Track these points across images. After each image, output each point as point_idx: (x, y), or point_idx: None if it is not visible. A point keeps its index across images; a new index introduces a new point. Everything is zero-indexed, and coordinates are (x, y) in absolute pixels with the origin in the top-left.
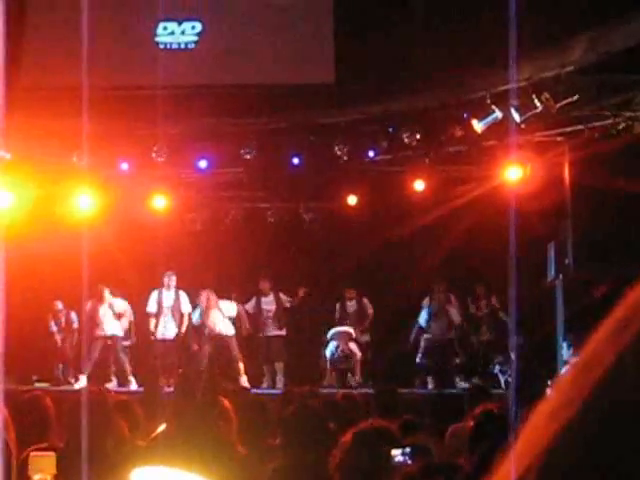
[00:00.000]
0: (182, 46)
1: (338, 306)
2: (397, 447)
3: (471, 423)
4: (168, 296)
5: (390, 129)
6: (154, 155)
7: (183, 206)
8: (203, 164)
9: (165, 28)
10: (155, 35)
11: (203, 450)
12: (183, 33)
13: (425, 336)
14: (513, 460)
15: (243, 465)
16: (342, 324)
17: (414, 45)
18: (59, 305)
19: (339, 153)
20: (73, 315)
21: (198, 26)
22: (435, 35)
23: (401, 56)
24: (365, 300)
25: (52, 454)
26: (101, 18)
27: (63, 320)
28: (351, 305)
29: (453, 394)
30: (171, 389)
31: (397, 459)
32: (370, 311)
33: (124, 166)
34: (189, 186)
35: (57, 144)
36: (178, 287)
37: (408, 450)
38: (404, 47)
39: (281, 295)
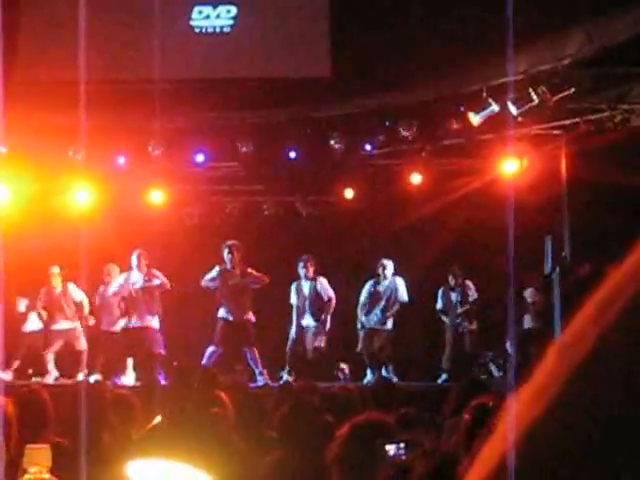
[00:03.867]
0: (217, 30)
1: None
2: (392, 442)
3: (467, 417)
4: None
5: (387, 122)
6: (151, 149)
7: (180, 200)
8: (200, 158)
9: (200, 12)
10: (190, 19)
11: (199, 442)
12: (218, 17)
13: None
14: (493, 444)
15: (240, 457)
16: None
17: (411, 38)
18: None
19: (336, 147)
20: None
21: (233, 10)
22: (432, 28)
23: (398, 49)
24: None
25: (47, 446)
26: (105, 11)
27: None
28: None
29: (449, 387)
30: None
31: (391, 453)
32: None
33: (121, 160)
34: (186, 180)
35: (54, 138)
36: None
37: (402, 445)
38: (401, 40)
39: None
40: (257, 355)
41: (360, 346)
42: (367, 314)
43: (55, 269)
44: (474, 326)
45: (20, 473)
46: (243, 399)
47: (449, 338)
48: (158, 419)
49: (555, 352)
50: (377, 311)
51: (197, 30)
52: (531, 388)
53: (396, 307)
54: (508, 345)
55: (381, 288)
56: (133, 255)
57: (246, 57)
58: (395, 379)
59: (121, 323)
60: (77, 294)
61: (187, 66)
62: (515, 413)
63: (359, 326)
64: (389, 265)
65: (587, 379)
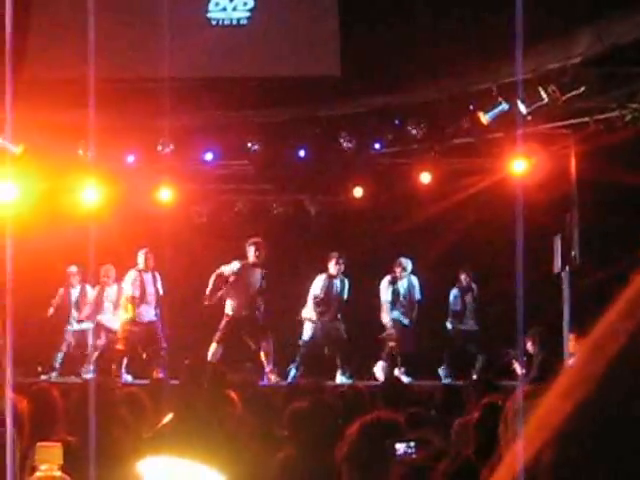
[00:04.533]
0: (234, 22)
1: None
2: (402, 440)
3: (476, 415)
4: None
5: (396, 121)
6: (160, 148)
7: (189, 199)
8: (209, 156)
9: (217, 4)
10: (207, 11)
11: (210, 441)
12: (235, 9)
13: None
14: (522, 443)
15: (250, 455)
16: None
17: (420, 37)
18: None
19: (345, 146)
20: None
21: (250, 2)
22: (441, 27)
23: (407, 48)
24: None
25: (59, 444)
26: (115, 9)
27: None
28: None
29: (459, 386)
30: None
31: (401, 452)
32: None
33: (130, 159)
34: (195, 179)
35: (63, 137)
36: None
37: (412, 444)
38: (410, 39)
39: None
40: (271, 349)
41: (393, 343)
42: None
43: (73, 268)
44: (477, 326)
45: (30, 471)
46: (252, 397)
47: (454, 337)
48: (169, 417)
49: (586, 349)
50: (399, 310)
51: (214, 22)
52: (562, 385)
53: (414, 306)
54: (529, 345)
55: (400, 287)
56: (141, 254)
57: (258, 54)
58: (406, 379)
59: (122, 320)
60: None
61: (199, 62)
62: (544, 414)
63: (389, 323)
64: (408, 264)
65: (619, 376)
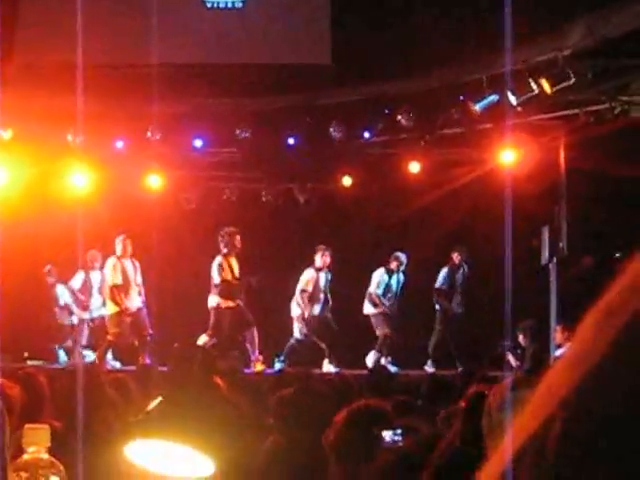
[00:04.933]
0: (229, 5)
1: None
2: (389, 428)
3: (463, 405)
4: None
5: (386, 111)
6: (149, 134)
7: (178, 185)
8: (199, 143)
9: None
10: None
11: (199, 425)
12: None
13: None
14: (531, 412)
15: (239, 441)
16: None
17: (411, 27)
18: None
19: (335, 134)
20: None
21: None
22: (432, 17)
23: (398, 38)
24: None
25: (46, 427)
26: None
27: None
28: None
29: (446, 376)
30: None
31: (388, 439)
32: None
33: (119, 144)
34: (184, 165)
35: (52, 122)
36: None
37: (399, 431)
38: (401, 29)
39: None
40: (255, 337)
41: (388, 330)
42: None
43: (47, 268)
44: (462, 310)
45: (16, 454)
46: (238, 384)
47: (438, 325)
48: (157, 401)
49: (593, 320)
50: (393, 301)
51: (209, 4)
52: (568, 357)
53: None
54: (520, 338)
55: (393, 281)
56: (119, 241)
57: (249, 40)
58: (393, 368)
59: (108, 308)
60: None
61: (190, 48)
62: (551, 383)
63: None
64: (404, 258)
65: (627, 349)
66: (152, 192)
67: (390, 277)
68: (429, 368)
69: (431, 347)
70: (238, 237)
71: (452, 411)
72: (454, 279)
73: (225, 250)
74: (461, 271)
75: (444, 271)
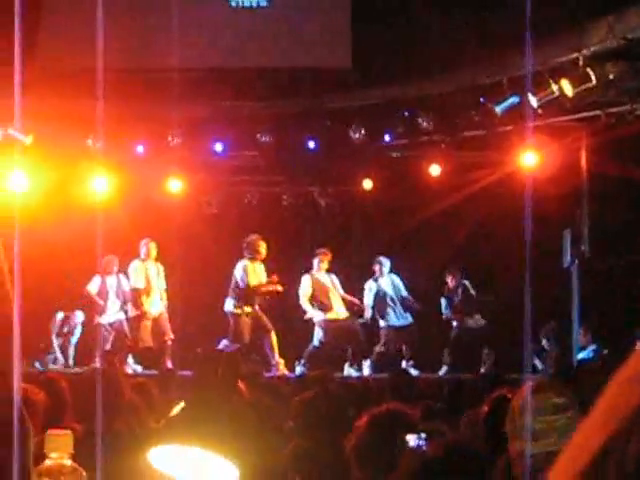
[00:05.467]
0: (254, 4)
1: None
2: (412, 432)
3: (486, 408)
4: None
5: (406, 113)
6: (170, 138)
7: (198, 189)
8: (219, 147)
9: None
10: None
11: (221, 430)
12: None
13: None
14: (591, 427)
15: (260, 446)
16: None
17: (431, 29)
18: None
19: (355, 137)
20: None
21: None
22: (453, 19)
23: (418, 41)
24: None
25: (69, 432)
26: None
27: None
28: None
29: (467, 380)
30: (186, 372)
31: (412, 444)
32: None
33: (140, 149)
34: (205, 169)
35: (73, 127)
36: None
37: (423, 435)
38: (421, 31)
39: None
40: (274, 342)
41: (382, 346)
42: (385, 314)
43: (113, 258)
44: (479, 322)
45: (39, 459)
46: (260, 388)
47: (453, 333)
48: (180, 406)
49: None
50: (393, 309)
51: (234, 4)
52: (632, 369)
53: (402, 302)
54: (544, 342)
55: (382, 286)
56: (143, 245)
57: (270, 43)
58: (415, 372)
59: (126, 312)
60: (127, 284)
61: (210, 52)
62: (615, 398)
63: (382, 325)
64: (386, 262)
65: None
66: (173, 196)
67: (376, 282)
68: (444, 371)
69: (446, 352)
70: (262, 243)
71: (475, 415)
72: (456, 302)
73: (249, 256)
74: (460, 290)
75: (443, 302)
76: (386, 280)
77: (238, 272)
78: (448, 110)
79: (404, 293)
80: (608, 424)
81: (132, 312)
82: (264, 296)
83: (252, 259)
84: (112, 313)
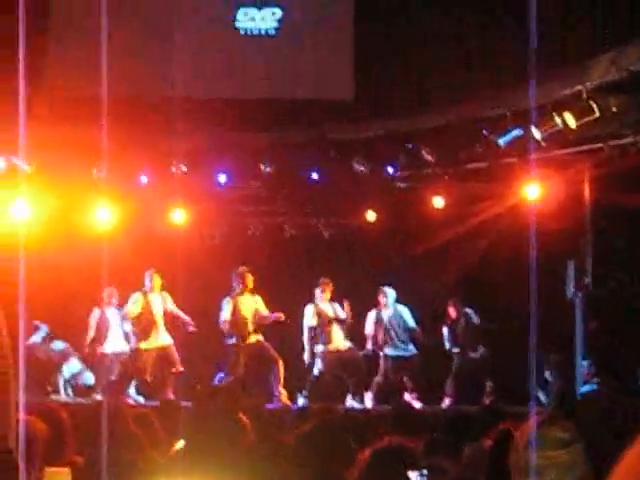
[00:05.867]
0: (263, 32)
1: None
2: (414, 467)
3: (489, 442)
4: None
5: (409, 145)
6: (173, 168)
7: (202, 219)
8: (222, 178)
9: (245, 14)
10: (235, 20)
11: (223, 464)
12: (263, 19)
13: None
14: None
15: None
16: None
17: (435, 62)
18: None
19: (358, 169)
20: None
21: (278, 12)
22: (456, 53)
23: (421, 73)
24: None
25: (67, 470)
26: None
27: None
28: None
29: (468, 412)
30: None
31: None
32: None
33: (143, 179)
34: (208, 199)
35: (76, 156)
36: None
37: (425, 472)
38: (423, 64)
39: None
40: (281, 372)
41: (381, 377)
42: (385, 345)
43: (113, 290)
44: (482, 353)
45: None
46: (261, 420)
47: (456, 364)
48: (181, 444)
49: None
50: (394, 340)
51: (242, 32)
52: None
53: (407, 333)
54: (547, 374)
55: (385, 317)
56: (147, 275)
57: (275, 75)
58: (417, 404)
59: (131, 344)
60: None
61: (215, 83)
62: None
63: (381, 354)
64: (390, 293)
65: None
66: (176, 226)
67: (378, 313)
68: (447, 404)
69: (448, 383)
70: (248, 275)
71: (477, 448)
72: (458, 332)
73: (238, 288)
74: (464, 321)
75: (445, 332)
76: (390, 311)
77: (223, 308)
78: (451, 142)
79: (411, 324)
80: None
81: (133, 343)
82: (259, 326)
83: (240, 292)
84: (114, 344)
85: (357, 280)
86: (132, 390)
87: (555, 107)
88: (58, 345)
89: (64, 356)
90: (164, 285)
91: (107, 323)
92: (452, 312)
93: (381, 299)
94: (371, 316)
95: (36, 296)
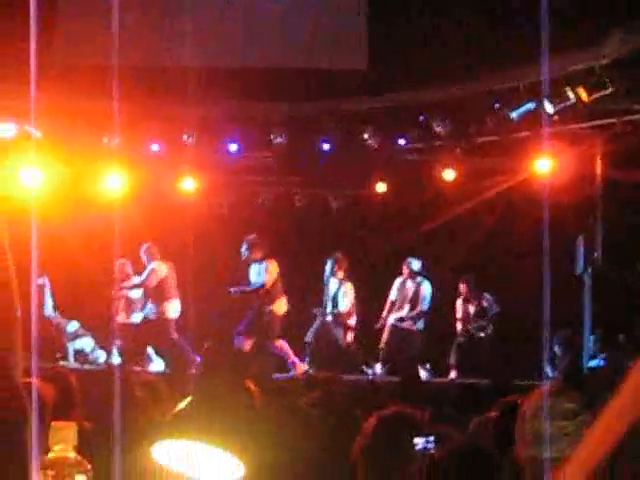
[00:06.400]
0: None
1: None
2: (420, 435)
3: (495, 413)
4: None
5: (421, 117)
6: (185, 137)
7: (211, 189)
8: (233, 147)
9: None
10: None
11: (229, 426)
12: None
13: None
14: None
15: (268, 444)
16: None
17: (448, 34)
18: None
19: (369, 140)
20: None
21: None
22: (470, 24)
23: (434, 45)
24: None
25: (73, 424)
26: None
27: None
28: None
29: (475, 385)
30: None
31: (420, 446)
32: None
33: (154, 147)
34: (218, 169)
35: (88, 124)
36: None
37: (432, 438)
38: (438, 36)
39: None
40: (285, 347)
41: (384, 344)
42: (397, 313)
43: (126, 263)
44: (490, 331)
45: (45, 452)
46: (268, 388)
47: (463, 340)
48: (187, 400)
49: None
50: (406, 310)
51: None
52: None
53: (421, 308)
54: (557, 348)
55: (408, 287)
56: (148, 248)
57: (287, 43)
58: (425, 376)
59: (144, 313)
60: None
61: (227, 50)
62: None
63: (387, 323)
64: (415, 263)
65: None
66: (186, 195)
67: (403, 283)
68: (453, 376)
69: (453, 356)
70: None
71: (483, 420)
72: (464, 309)
73: (261, 255)
74: (474, 301)
75: (458, 302)
76: (412, 282)
77: (271, 271)
78: (463, 115)
79: (423, 306)
80: (635, 409)
81: (150, 313)
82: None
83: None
84: (131, 313)
85: (364, 252)
86: (149, 357)
87: (568, 81)
88: (72, 326)
89: (76, 336)
90: (168, 254)
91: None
92: (462, 289)
93: (405, 269)
94: (396, 283)
95: (45, 264)
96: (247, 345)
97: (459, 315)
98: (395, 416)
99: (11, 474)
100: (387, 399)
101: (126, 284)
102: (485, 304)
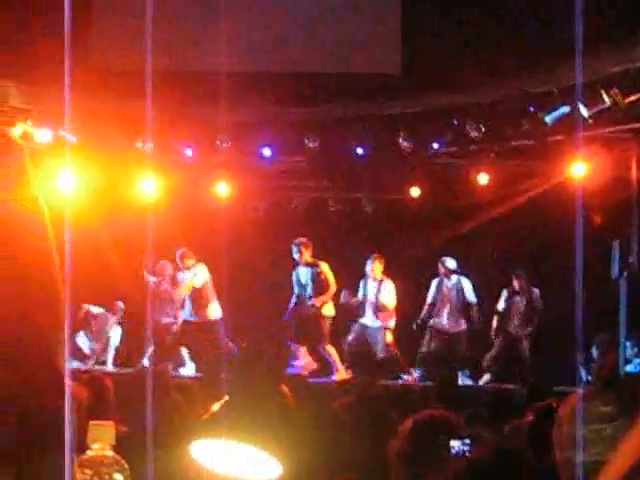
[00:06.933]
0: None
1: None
2: (456, 437)
3: (531, 417)
4: None
5: (455, 121)
6: (218, 142)
7: (245, 194)
8: (267, 152)
9: None
10: None
11: (265, 426)
12: None
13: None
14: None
15: (303, 444)
16: None
17: (482, 38)
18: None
19: (403, 144)
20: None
21: None
22: (503, 28)
23: (468, 48)
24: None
25: (111, 424)
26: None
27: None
28: None
29: (509, 389)
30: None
31: (455, 450)
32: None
33: (188, 152)
34: (252, 174)
35: (122, 129)
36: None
37: (467, 441)
38: (471, 39)
39: None
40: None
41: (425, 348)
42: (436, 315)
43: (166, 264)
44: (528, 331)
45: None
46: (303, 391)
47: (500, 340)
48: (224, 400)
49: None
50: (447, 311)
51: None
52: None
53: (462, 307)
54: (593, 350)
55: (446, 287)
56: (183, 253)
57: (321, 48)
58: (464, 380)
59: (184, 315)
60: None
61: (261, 56)
62: None
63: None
64: (450, 262)
65: None
66: (220, 200)
67: (441, 283)
68: (486, 379)
69: (487, 360)
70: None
71: (519, 424)
72: (512, 303)
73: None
74: (524, 297)
75: (504, 294)
76: (452, 280)
77: (329, 275)
78: (497, 119)
79: (471, 298)
80: None
81: (190, 315)
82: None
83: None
84: (166, 315)
85: (399, 256)
86: (186, 357)
87: (603, 84)
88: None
89: (106, 322)
90: (205, 258)
91: (162, 294)
92: (516, 284)
93: (441, 268)
94: (433, 285)
95: (78, 268)
96: (301, 351)
97: (501, 308)
98: (430, 419)
99: (55, 461)
100: (422, 402)
101: (168, 283)
102: (534, 299)
